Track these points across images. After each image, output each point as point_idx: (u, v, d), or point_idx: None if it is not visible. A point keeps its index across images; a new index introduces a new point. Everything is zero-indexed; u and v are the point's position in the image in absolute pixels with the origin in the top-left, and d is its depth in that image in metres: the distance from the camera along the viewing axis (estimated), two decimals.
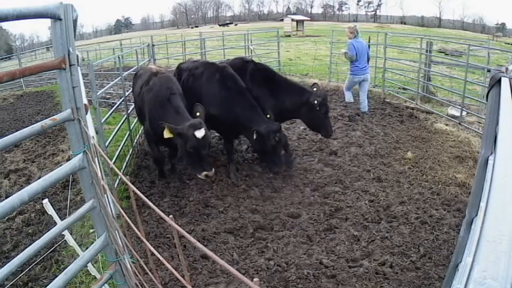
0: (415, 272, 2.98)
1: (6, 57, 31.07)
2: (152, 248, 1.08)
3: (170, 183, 4.66)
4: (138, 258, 1.36)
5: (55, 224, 2.16)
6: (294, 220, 3.78)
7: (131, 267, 1.71)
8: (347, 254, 3.23)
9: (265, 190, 4.41)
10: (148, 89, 4.39)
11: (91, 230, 3.59)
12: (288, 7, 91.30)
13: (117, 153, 4.79)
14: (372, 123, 6.64)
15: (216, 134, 5.68)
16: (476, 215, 1.09)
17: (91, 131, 1.65)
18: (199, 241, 1.11)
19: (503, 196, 0.89)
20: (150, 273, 1.40)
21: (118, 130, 4.98)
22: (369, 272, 2.98)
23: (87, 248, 1.79)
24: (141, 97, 4.50)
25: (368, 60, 7.30)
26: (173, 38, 28.46)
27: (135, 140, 5.76)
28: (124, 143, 5.13)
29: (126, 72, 6.37)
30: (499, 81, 1.42)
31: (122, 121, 5.23)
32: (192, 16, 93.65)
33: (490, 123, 1.27)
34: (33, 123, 1.30)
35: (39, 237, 1.32)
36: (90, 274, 2.86)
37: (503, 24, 65.91)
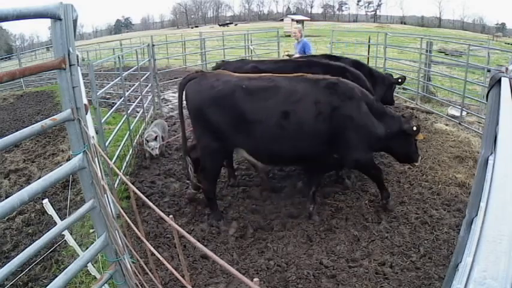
0: (415, 272, 2.98)
1: (6, 57, 31.05)
2: (152, 248, 1.08)
3: (169, 184, 4.66)
4: (138, 258, 1.36)
5: (55, 224, 2.17)
6: (294, 220, 3.78)
7: (131, 267, 1.71)
8: (347, 254, 3.23)
9: (265, 190, 4.41)
10: (355, 103, 3.38)
11: (91, 230, 3.59)
12: (288, 7, 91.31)
13: (117, 153, 4.79)
14: None
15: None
16: (476, 215, 1.09)
17: (91, 131, 1.65)
18: (199, 241, 1.11)
19: (503, 196, 0.89)
20: (150, 273, 1.40)
21: (118, 130, 4.97)
22: (368, 272, 2.98)
23: (87, 248, 1.80)
24: (335, 116, 3.29)
25: None
26: (173, 38, 28.47)
27: (135, 140, 5.76)
28: (124, 143, 5.13)
29: (126, 72, 6.37)
30: (499, 81, 1.42)
31: (122, 121, 5.23)
32: (192, 16, 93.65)
33: (490, 123, 1.27)
34: (33, 123, 1.30)
35: (39, 237, 1.32)
36: (90, 274, 2.86)
37: (503, 24, 65.89)
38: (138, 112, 6.72)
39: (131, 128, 5.47)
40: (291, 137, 3.29)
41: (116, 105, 5.13)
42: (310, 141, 3.33)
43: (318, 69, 4.06)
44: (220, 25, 68.58)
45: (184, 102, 3.60)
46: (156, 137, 5.06)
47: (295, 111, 3.24)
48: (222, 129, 3.36)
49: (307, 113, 3.25)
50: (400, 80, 5.32)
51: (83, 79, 2.21)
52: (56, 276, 1.41)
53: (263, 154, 3.53)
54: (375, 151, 4.10)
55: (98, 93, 4.11)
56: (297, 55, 6.97)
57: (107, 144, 4.29)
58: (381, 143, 3.66)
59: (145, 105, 6.93)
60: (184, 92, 3.54)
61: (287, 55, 7.36)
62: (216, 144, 3.44)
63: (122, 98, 5.36)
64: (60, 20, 1.28)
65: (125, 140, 5.23)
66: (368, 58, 9.77)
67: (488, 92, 1.44)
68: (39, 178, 1.33)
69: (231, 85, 3.35)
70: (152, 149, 5.01)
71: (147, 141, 5.06)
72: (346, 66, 4.32)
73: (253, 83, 3.36)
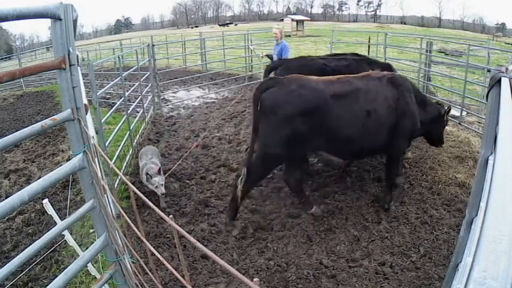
0: (415, 272, 2.99)
1: (6, 57, 31.07)
2: (152, 248, 1.08)
3: (169, 184, 4.66)
4: (138, 258, 1.36)
5: (55, 224, 2.16)
6: (294, 220, 3.78)
7: (131, 267, 1.71)
8: (347, 254, 3.23)
9: (265, 190, 4.41)
10: (409, 94, 3.74)
11: (91, 230, 3.59)
12: (288, 7, 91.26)
13: (117, 153, 4.79)
14: None
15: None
16: (476, 215, 1.09)
17: (91, 131, 1.64)
18: (199, 241, 1.11)
19: (503, 196, 0.89)
20: (150, 273, 1.40)
21: (118, 130, 4.97)
22: (369, 272, 2.98)
23: (87, 248, 1.80)
24: (398, 106, 3.63)
25: None
26: (173, 38, 28.47)
27: (135, 140, 5.76)
28: (124, 143, 5.13)
29: (126, 72, 6.37)
30: (499, 81, 1.42)
31: (122, 121, 5.23)
32: (192, 16, 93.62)
33: (490, 123, 1.27)
34: (33, 123, 1.30)
35: (39, 237, 1.31)
36: (90, 274, 2.86)
37: (503, 24, 65.86)
38: (138, 112, 6.72)
39: (131, 128, 5.47)
40: (372, 132, 3.56)
41: (116, 105, 5.14)
42: (383, 133, 3.63)
43: (374, 66, 4.53)
44: (220, 25, 68.54)
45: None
46: (159, 170, 4.01)
47: (374, 109, 3.52)
48: (308, 136, 3.40)
49: (382, 108, 3.55)
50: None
51: (83, 79, 2.21)
52: (56, 276, 1.41)
53: (346, 152, 3.76)
54: (415, 137, 4.34)
55: (98, 93, 4.11)
56: (275, 57, 6.79)
57: (107, 144, 4.29)
58: (422, 130, 4.07)
59: (145, 105, 6.93)
60: (261, 103, 3.43)
61: (266, 55, 7.25)
62: (286, 152, 3.47)
63: (122, 98, 5.36)
64: (60, 20, 1.27)
65: (124, 140, 5.23)
66: None
67: (488, 92, 1.44)
68: (39, 178, 1.33)
69: (320, 92, 3.40)
70: (157, 187, 3.90)
71: (150, 177, 3.94)
72: (391, 64, 4.89)
73: (337, 87, 3.48)
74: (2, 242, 3.82)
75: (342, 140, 3.51)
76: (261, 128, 3.48)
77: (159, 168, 4.05)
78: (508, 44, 27.34)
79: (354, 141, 3.54)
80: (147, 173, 3.97)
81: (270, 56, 7.14)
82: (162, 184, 3.91)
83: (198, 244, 0.85)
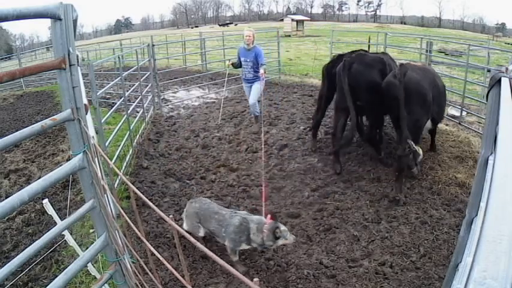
0: (415, 272, 2.98)
1: (6, 57, 31.09)
2: (152, 248, 1.08)
3: (169, 184, 4.66)
4: (138, 258, 1.36)
5: (55, 224, 2.17)
6: (294, 220, 3.78)
7: (131, 267, 1.71)
8: (347, 254, 3.23)
9: (265, 190, 4.40)
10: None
11: (91, 230, 3.59)
12: (288, 7, 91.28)
13: (117, 153, 4.79)
14: None
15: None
16: (476, 215, 1.09)
17: (91, 131, 1.64)
18: (199, 241, 1.11)
19: (503, 196, 0.89)
20: (150, 273, 1.41)
21: (118, 130, 4.97)
22: (369, 272, 2.98)
23: (87, 248, 1.80)
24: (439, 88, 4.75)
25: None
26: (173, 38, 28.47)
27: (135, 140, 5.76)
28: (124, 143, 5.13)
29: (126, 72, 6.37)
30: (499, 81, 1.42)
31: (122, 121, 5.23)
32: (192, 16, 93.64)
33: (490, 123, 1.27)
34: (33, 123, 1.30)
35: (39, 237, 1.31)
36: (90, 274, 2.86)
37: (503, 24, 65.90)
38: (138, 112, 6.72)
39: (131, 128, 5.47)
40: (443, 100, 4.88)
41: (116, 105, 5.13)
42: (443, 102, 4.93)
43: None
44: (220, 25, 68.55)
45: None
46: (274, 217, 3.03)
47: (440, 83, 4.78)
48: (431, 104, 4.38)
49: (442, 83, 4.86)
50: None
51: (83, 79, 2.21)
52: (56, 276, 1.41)
53: (437, 115, 4.81)
54: None
55: (98, 93, 4.11)
56: (249, 64, 6.49)
57: (107, 144, 4.28)
58: None
59: (145, 105, 6.93)
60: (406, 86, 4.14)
61: (231, 64, 7.14)
62: (427, 118, 4.49)
63: (122, 98, 5.36)
64: (60, 20, 1.27)
65: (124, 140, 5.23)
66: None
67: (488, 92, 1.44)
68: (39, 178, 1.33)
69: (429, 70, 4.75)
70: (287, 238, 2.99)
71: (280, 231, 2.92)
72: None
73: (430, 68, 4.84)
74: (2, 242, 3.82)
75: (436, 105, 4.53)
76: (409, 107, 4.19)
77: (273, 215, 3.03)
78: (508, 44, 27.36)
79: (441, 106, 4.75)
80: (276, 229, 2.90)
81: (234, 64, 7.02)
82: (286, 230, 3.01)
83: (198, 244, 0.86)
